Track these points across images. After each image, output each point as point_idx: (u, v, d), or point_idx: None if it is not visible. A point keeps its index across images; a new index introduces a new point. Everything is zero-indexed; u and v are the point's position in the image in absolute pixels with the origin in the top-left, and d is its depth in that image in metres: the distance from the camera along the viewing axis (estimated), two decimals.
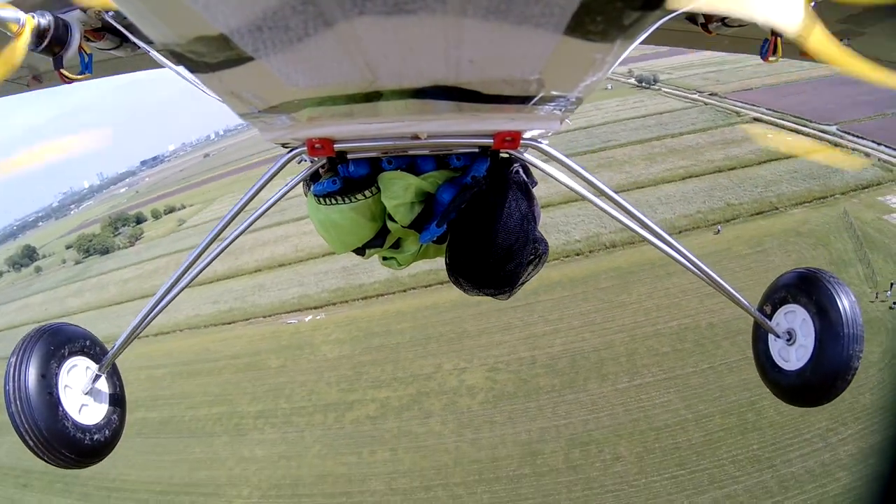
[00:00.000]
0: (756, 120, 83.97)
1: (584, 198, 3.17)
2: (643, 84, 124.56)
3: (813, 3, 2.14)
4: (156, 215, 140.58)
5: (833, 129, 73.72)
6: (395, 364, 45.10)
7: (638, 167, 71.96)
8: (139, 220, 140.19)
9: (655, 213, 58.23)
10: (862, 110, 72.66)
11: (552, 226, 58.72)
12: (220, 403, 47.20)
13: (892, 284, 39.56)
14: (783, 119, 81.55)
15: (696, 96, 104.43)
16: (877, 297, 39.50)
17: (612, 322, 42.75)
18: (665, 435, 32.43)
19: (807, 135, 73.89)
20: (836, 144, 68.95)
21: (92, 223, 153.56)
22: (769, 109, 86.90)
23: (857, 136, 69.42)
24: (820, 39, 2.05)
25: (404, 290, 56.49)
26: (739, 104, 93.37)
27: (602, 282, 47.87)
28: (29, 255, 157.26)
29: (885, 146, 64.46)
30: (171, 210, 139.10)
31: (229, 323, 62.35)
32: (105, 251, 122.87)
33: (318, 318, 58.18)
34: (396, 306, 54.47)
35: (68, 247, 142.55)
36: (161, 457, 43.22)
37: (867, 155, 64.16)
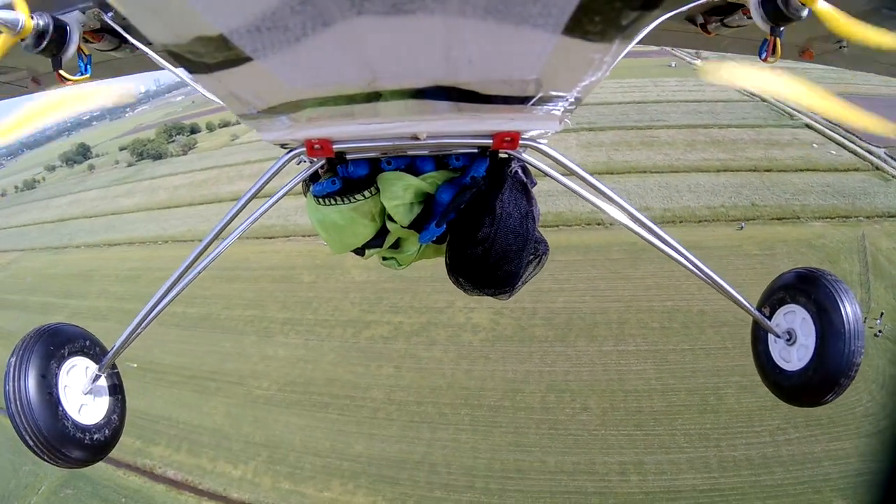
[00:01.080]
0: (808, 126, 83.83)
1: (583, 198, 3.22)
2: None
3: (809, 8, 2.27)
4: (210, 127, 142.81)
5: (881, 151, 73.20)
6: (413, 294, 49.74)
7: (678, 151, 73.88)
8: (193, 130, 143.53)
9: (682, 199, 61.48)
10: None
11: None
12: (253, 307, 53.60)
13: (881, 314, 41.52)
14: (834, 131, 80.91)
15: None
16: (864, 322, 42.30)
17: (613, 291, 46.86)
18: (632, 398, 36.97)
19: (852, 151, 74.17)
20: (877, 168, 69.09)
21: (146, 128, 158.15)
22: (826, 119, 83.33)
23: None
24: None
25: None
26: (797, 107, 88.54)
27: (614, 254, 51.45)
28: (83, 153, 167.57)
29: None
30: (225, 124, 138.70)
31: (270, 237, 67.88)
32: (158, 157, 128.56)
33: None
34: None
35: (122, 149, 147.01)
36: (194, 347, 49.99)
37: None
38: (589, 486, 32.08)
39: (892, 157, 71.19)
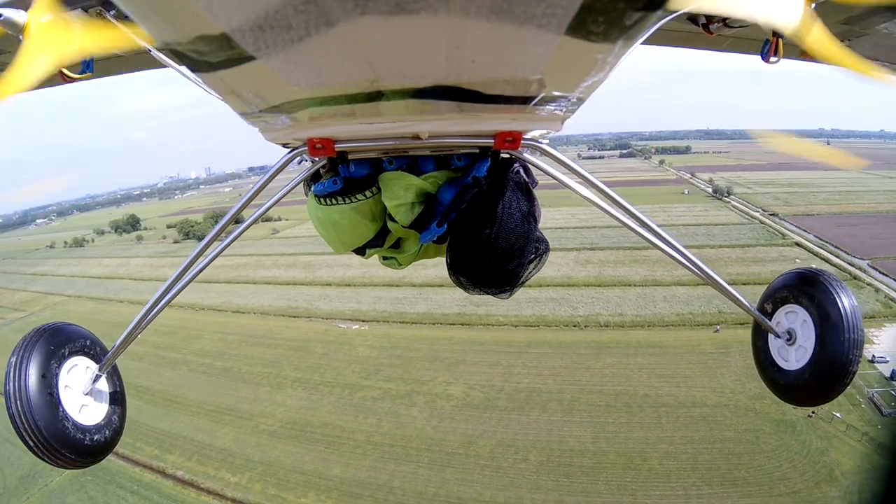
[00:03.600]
0: (797, 244, 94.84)
1: (584, 198, 3.34)
2: (717, 195, 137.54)
3: (814, 4, 2.29)
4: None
5: (864, 263, 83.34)
6: (404, 369, 62.09)
7: (664, 268, 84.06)
8: (238, 220, 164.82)
9: (655, 307, 72.44)
10: None
11: (564, 300, 75.07)
12: (270, 366, 66.09)
13: None
14: (822, 248, 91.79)
15: (756, 214, 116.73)
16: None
17: (572, 377, 57.14)
18: (567, 455, 46.28)
19: (835, 265, 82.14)
20: (854, 277, 77.95)
21: (194, 212, 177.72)
22: (816, 237, 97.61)
23: (882, 273, 79.72)
24: (820, 39, 2.11)
25: (433, 323, 73.79)
26: (792, 227, 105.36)
27: (581, 349, 62.56)
28: (132, 224, 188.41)
29: None
30: (268, 219, 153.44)
31: (294, 316, 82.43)
32: (202, 237, 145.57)
33: (363, 328, 76.50)
34: (423, 333, 71.63)
35: (170, 226, 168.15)
36: (217, 390, 62.32)
37: (876, 291, 73.78)
38: None
39: (873, 268, 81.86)
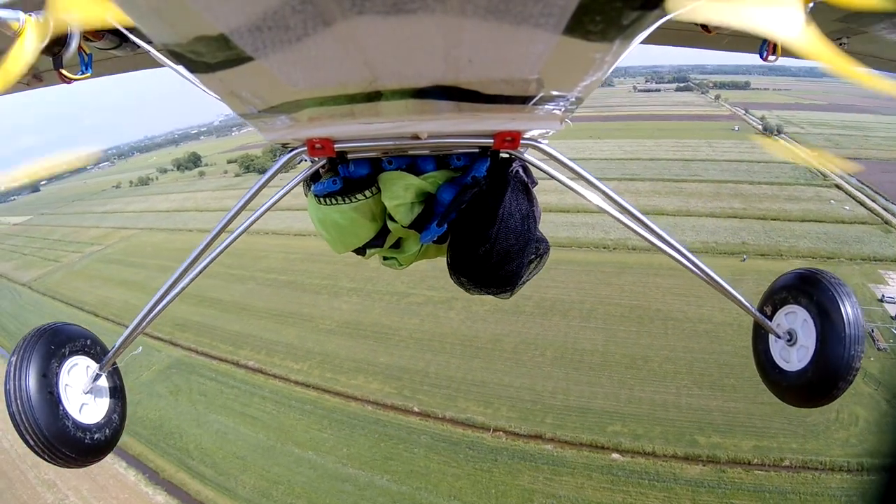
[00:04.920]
0: (837, 186, 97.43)
1: (584, 198, 3.41)
2: (766, 131, 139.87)
3: (811, 5, 2.37)
4: None
5: None
6: (447, 280, 69.64)
7: (700, 200, 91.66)
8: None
9: (681, 235, 77.52)
10: None
11: (598, 225, 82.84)
12: (329, 279, 76.83)
13: None
14: (860, 191, 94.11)
15: (803, 154, 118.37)
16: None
17: (594, 290, 65.44)
18: (578, 354, 54.50)
19: (868, 208, 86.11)
20: (886, 222, 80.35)
21: (252, 147, 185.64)
22: (858, 180, 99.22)
23: None
24: (816, 45, 2.14)
25: None
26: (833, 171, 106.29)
27: (607, 268, 70.66)
28: (194, 161, 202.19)
29: None
30: None
31: None
32: (263, 171, 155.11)
33: None
34: None
35: (230, 161, 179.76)
36: (281, 298, 73.73)
37: None
38: (526, 397, 50.04)
39: None
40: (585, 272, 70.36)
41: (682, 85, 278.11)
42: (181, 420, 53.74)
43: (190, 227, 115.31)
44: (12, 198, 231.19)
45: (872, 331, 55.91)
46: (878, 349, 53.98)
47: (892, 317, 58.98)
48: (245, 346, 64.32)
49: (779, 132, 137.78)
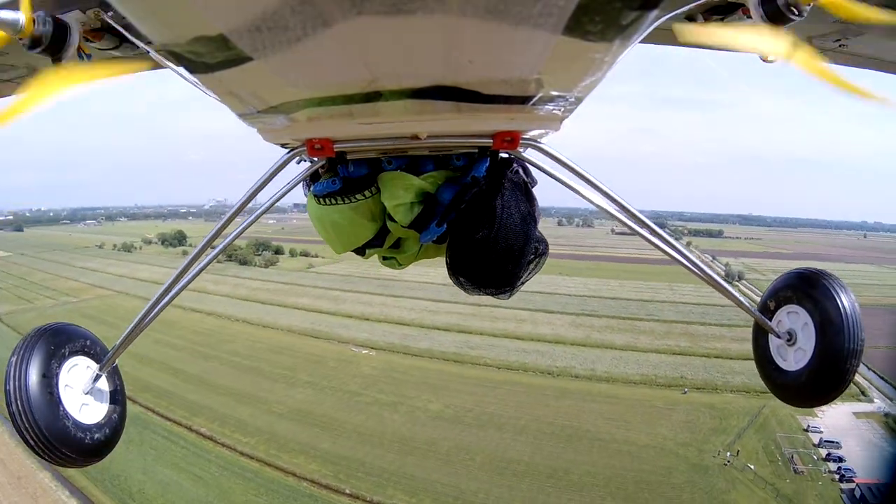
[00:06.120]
0: None
1: (583, 197, 3.40)
2: (727, 278, 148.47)
3: (808, 7, 2.44)
4: (292, 253, 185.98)
5: None
6: (396, 387, 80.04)
7: (650, 337, 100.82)
8: (278, 251, 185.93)
9: (625, 368, 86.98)
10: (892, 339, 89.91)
11: (548, 354, 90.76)
12: (288, 370, 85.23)
13: (737, 452, 62.23)
14: None
15: (759, 300, 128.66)
16: (719, 454, 62.50)
17: (531, 410, 73.06)
18: (505, 461, 61.21)
19: None
20: None
21: (238, 238, 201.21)
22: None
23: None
24: (805, 60, 2.16)
25: (431, 357, 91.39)
26: None
27: (547, 392, 78.99)
28: (179, 239, 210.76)
29: (881, 378, 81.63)
30: (305, 254, 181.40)
31: (315, 337, 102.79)
32: (244, 262, 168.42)
33: (371, 353, 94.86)
34: (420, 364, 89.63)
35: (213, 247, 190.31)
36: (241, 380, 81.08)
37: None
38: (450, 493, 56.09)
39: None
40: (527, 394, 77.86)
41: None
42: (128, 466, 58.38)
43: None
44: None
45: (792, 456, 62.04)
46: (795, 472, 59.98)
47: (814, 444, 65.13)
48: (200, 415, 70.13)
49: (739, 278, 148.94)
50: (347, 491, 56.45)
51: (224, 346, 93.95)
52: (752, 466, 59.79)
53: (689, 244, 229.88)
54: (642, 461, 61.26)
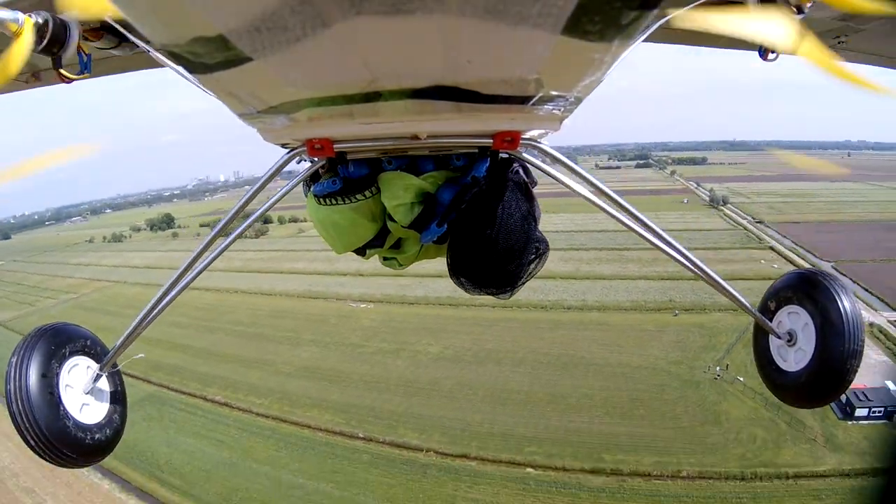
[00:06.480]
0: (771, 248, 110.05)
1: (583, 197, 3.51)
2: (712, 203, 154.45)
3: (810, 4, 2.45)
4: (281, 221, 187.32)
5: (828, 266, 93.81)
6: (396, 335, 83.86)
7: (637, 265, 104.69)
8: (267, 220, 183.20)
9: (615, 296, 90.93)
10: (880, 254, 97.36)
11: (539, 289, 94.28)
12: (291, 332, 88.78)
13: (727, 366, 65.44)
14: (792, 251, 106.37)
15: (745, 222, 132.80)
16: (709, 370, 66.10)
17: (526, 343, 76.91)
18: (506, 392, 64.93)
19: (797, 266, 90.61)
20: None
21: (225, 212, 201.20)
22: (793, 242, 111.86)
23: (840, 273, 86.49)
24: (811, 50, 2.17)
25: (427, 304, 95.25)
26: (773, 233, 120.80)
27: (541, 325, 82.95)
28: (167, 222, 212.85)
29: (865, 290, 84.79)
30: (294, 220, 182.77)
31: (314, 298, 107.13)
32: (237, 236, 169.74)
33: (369, 307, 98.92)
34: (417, 311, 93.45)
35: (203, 225, 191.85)
36: (247, 347, 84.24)
37: None
38: (456, 426, 60.11)
39: (835, 269, 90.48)
40: (522, 329, 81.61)
41: (641, 162, 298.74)
42: (153, 442, 62.12)
43: (162, 283, 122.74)
44: None
45: None
46: None
47: None
48: (213, 384, 73.89)
49: (724, 202, 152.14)
50: (361, 435, 60.52)
51: (226, 318, 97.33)
52: (741, 379, 62.82)
53: (673, 173, 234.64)
54: (636, 381, 64.97)
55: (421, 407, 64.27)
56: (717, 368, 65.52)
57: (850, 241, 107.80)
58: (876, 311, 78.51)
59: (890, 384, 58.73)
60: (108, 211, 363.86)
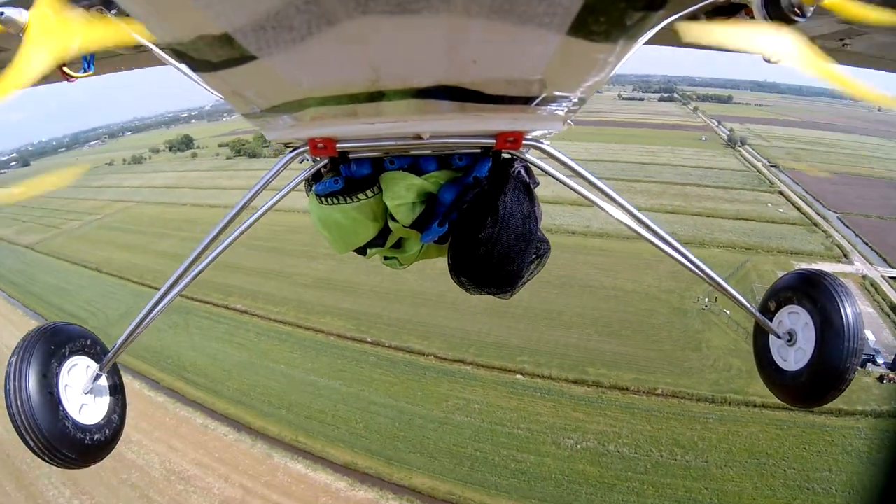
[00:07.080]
0: (780, 193, 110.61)
1: (585, 198, 3.61)
2: (730, 143, 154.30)
3: (812, 7, 2.48)
4: None
5: (834, 216, 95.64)
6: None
7: (644, 197, 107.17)
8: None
9: (620, 224, 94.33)
10: (888, 212, 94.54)
11: (546, 213, 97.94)
12: (308, 246, 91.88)
13: (715, 299, 67.54)
14: (802, 198, 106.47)
15: (759, 164, 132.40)
16: (698, 300, 68.13)
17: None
18: (504, 305, 68.58)
19: (802, 211, 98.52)
20: (814, 223, 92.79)
21: (243, 133, 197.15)
22: (805, 190, 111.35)
23: (845, 225, 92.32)
24: (811, 60, 2.20)
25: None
26: (785, 178, 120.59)
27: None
28: (186, 143, 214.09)
29: (866, 244, 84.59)
30: None
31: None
32: (253, 155, 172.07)
33: None
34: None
35: (222, 145, 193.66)
36: (265, 260, 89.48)
37: (827, 236, 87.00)
38: (457, 335, 66.15)
39: (840, 220, 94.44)
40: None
41: (666, 95, 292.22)
42: (179, 347, 68.89)
43: (184, 202, 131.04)
44: (2, 171, 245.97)
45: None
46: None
47: None
48: (233, 294, 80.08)
49: (742, 143, 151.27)
50: (369, 339, 66.67)
51: (246, 233, 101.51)
52: (728, 312, 65.81)
53: (696, 109, 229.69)
54: (627, 304, 69.40)
55: (426, 316, 69.96)
56: (706, 300, 68.31)
57: (861, 194, 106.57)
58: (872, 265, 79.48)
59: (869, 334, 61.10)
60: (128, 134, 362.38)
